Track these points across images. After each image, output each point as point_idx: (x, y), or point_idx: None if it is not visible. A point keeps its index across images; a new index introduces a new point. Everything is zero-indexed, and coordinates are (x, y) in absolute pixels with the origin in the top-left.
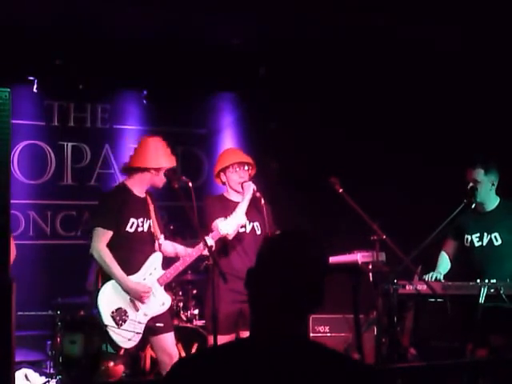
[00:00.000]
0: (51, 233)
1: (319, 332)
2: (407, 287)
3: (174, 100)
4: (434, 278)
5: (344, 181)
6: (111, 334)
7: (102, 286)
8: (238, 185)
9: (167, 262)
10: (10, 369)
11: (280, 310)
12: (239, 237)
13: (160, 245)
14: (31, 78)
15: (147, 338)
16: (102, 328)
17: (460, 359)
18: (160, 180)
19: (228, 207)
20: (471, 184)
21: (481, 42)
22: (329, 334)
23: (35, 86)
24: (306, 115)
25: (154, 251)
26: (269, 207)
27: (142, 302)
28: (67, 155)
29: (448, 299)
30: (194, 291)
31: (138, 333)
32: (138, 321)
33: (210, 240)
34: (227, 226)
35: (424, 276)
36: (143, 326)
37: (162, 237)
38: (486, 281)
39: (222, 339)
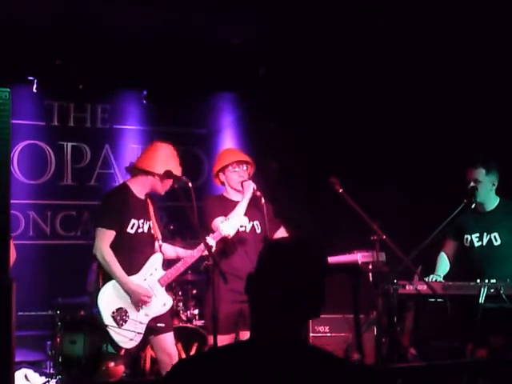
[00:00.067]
0: (51, 233)
1: (319, 332)
2: (407, 287)
3: (174, 100)
4: (433, 281)
5: (344, 181)
6: (112, 334)
7: (102, 285)
8: (238, 184)
9: (168, 262)
10: (9, 369)
11: (280, 313)
12: (239, 236)
13: (160, 246)
14: (31, 78)
15: (147, 337)
16: (103, 328)
17: (460, 359)
18: (162, 187)
19: (228, 207)
20: (472, 184)
21: (481, 42)
22: (329, 334)
23: (35, 86)
24: (306, 115)
25: (155, 252)
26: (269, 206)
27: (142, 305)
28: (67, 155)
29: (448, 299)
30: (194, 291)
31: (139, 333)
32: (139, 321)
33: (211, 241)
34: (228, 226)
35: (424, 278)
36: (144, 326)
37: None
38: (486, 281)
39: (222, 339)
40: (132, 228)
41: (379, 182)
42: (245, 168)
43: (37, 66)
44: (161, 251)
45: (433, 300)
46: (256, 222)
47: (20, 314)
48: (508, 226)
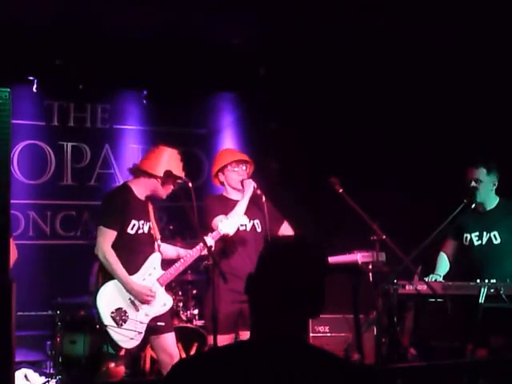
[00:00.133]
0: (51, 233)
1: (319, 332)
2: (407, 287)
3: (174, 100)
4: (433, 281)
5: (344, 181)
6: (111, 333)
7: (101, 286)
8: (238, 183)
9: (167, 262)
10: (10, 369)
11: (280, 313)
12: (239, 235)
13: (159, 246)
14: (31, 78)
15: (148, 337)
16: (102, 328)
17: (460, 359)
18: (163, 191)
19: (228, 206)
20: (473, 183)
21: (481, 42)
22: (329, 334)
23: (35, 86)
24: (306, 115)
25: (154, 252)
26: (270, 204)
27: (145, 304)
28: (67, 155)
29: (448, 299)
30: (194, 291)
31: (139, 332)
32: (139, 321)
33: (210, 240)
34: (227, 225)
35: (424, 278)
36: (145, 325)
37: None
38: (486, 281)
39: (222, 339)
40: (132, 229)
41: (379, 181)
42: (244, 167)
43: (37, 66)
44: (159, 251)
45: (433, 300)
46: (256, 221)
47: (20, 314)
48: (508, 224)
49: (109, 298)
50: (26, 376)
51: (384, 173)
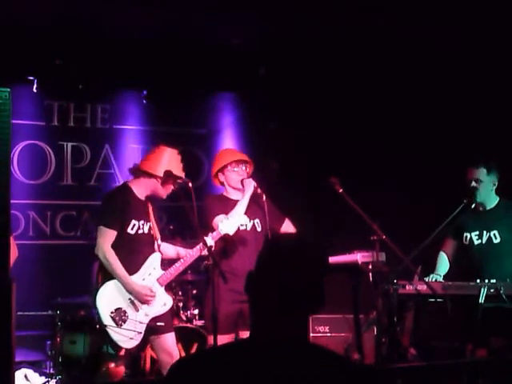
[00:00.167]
0: (51, 233)
1: (319, 332)
2: (407, 287)
3: (174, 100)
4: (433, 281)
5: (344, 181)
6: (111, 333)
7: (101, 285)
8: (238, 182)
9: (167, 262)
10: (10, 369)
11: (279, 312)
12: (240, 235)
13: (159, 245)
14: (31, 78)
15: (148, 338)
16: (102, 328)
17: (460, 359)
18: (164, 191)
19: (228, 205)
20: (473, 183)
21: (481, 42)
22: (329, 334)
23: (35, 86)
24: (306, 115)
25: (154, 252)
26: (270, 202)
27: (145, 304)
28: (67, 155)
29: (448, 299)
30: (194, 291)
31: (139, 332)
32: (138, 321)
33: (210, 240)
34: (227, 225)
35: (424, 278)
36: (144, 325)
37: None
38: (486, 281)
39: (222, 339)
40: (132, 229)
41: (379, 181)
42: (244, 167)
43: (37, 66)
44: (159, 251)
45: (433, 300)
46: (256, 221)
47: (20, 313)
48: (507, 224)
49: (108, 298)
50: (25, 376)
51: (384, 173)
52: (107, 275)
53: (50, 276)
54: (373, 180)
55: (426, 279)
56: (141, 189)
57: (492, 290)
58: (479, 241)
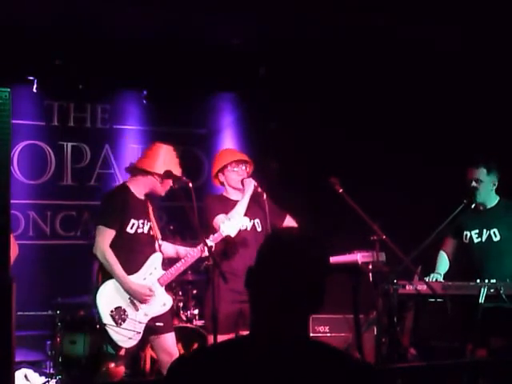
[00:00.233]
0: (51, 233)
1: (319, 332)
2: (407, 287)
3: (174, 100)
4: (433, 280)
5: (344, 181)
6: (110, 332)
7: (101, 284)
8: (238, 182)
9: (168, 262)
10: (10, 369)
11: (280, 309)
12: (240, 235)
13: (160, 245)
14: (31, 78)
15: (147, 338)
16: (102, 327)
17: (460, 359)
18: (162, 188)
19: (228, 206)
20: (473, 183)
21: (481, 42)
22: (329, 334)
23: (35, 86)
24: (306, 115)
25: (154, 251)
26: (270, 201)
27: (144, 303)
28: (67, 155)
29: (448, 299)
30: (194, 291)
31: (138, 332)
32: (138, 320)
33: (211, 242)
34: (229, 227)
35: (425, 278)
36: (143, 325)
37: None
38: (486, 281)
39: (222, 339)
40: (132, 228)
41: (379, 182)
42: (244, 167)
43: (37, 66)
44: (160, 251)
45: (433, 300)
46: (257, 221)
47: (20, 313)
48: (507, 222)
49: (108, 297)
50: (26, 376)
51: (384, 173)
52: (107, 274)
53: (50, 276)
54: (373, 180)
55: (426, 279)
56: (139, 187)
57: (492, 290)
58: (479, 239)
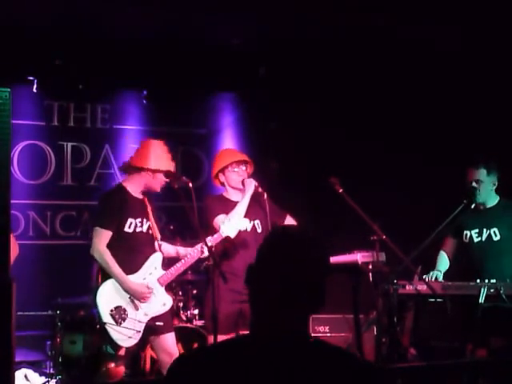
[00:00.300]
0: (51, 233)
1: (319, 332)
2: (407, 287)
3: (174, 100)
4: (434, 277)
5: (344, 181)
6: (110, 332)
7: (101, 283)
8: (239, 183)
9: (168, 262)
10: (10, 369)
11: (280, 307)
12: (240, 236)
13: (160, 245)
14: (31, 78)
15: (148, 338)
16: (102, 327)
17: (460, 359)
18: (157, 183)
19: (228, 206)
20: (474, 184)
21: (481, 42)
22: (329, 334)
23: (35, 86)
24: (306, 115)
25: (154, 251)
26: (270, 201)
27: (143, 302)
28: (67, 155)
29: (448, 299)
30: (194, 291)
31: (138, 331)
32: (138, 320)
33: (211, 242)
34: (229, 228)
35: (424, 275)
36: (143, 324)
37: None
38: (486, 281)
39: (222, 339)
40: (129, 227)
41: (379, 182)
42: (244, 168)
43: (37, 66)
44: (160, 251)
45: (433, 300)
46: (257, 222)
47: (20, 313)
48: (507, 222)
49: (108, 296)
50: (26, 376)
51: (384, 173)
52: (107, 274)
53: (50, 276)
54: (373, 180)
55: (426, 276)
56: (134, 186)
57: (492, 290)
58: (479, 238)
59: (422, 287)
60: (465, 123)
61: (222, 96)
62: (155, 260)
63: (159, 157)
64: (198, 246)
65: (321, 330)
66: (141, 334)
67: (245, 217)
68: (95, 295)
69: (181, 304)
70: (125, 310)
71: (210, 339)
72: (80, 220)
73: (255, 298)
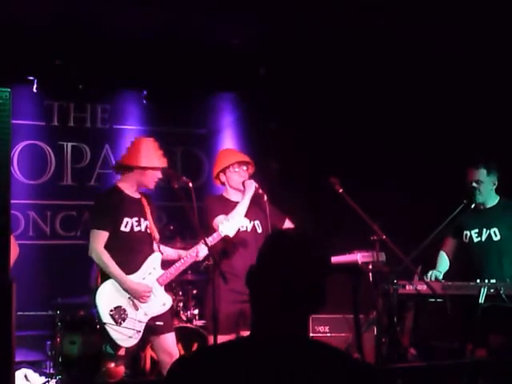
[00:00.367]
0: (51, 233)
1: (319, 332)
2: (407, 287)
3: (174, 100)
4: (434, 277)
5: (344, 181)
6: (110, 332)
7: (101, 283)
8: (239, 183)
9: (168, 262)
10: (10, 369)
11: (281, 309)
12: (240, 236)
13: (159, 245)
14: (31, 78)
15: (148, 338)
16: (102, 327)
17: (460, 359)
18: (149, 180)
19: (228, 207)
20: (474, 184)
21: (481, 42)
22: (329, 334)
23: (35, 86)
24: (306, 115)
25: (153, 251)
26: (270, 203)
27: (143, 302)
28: (67, 155)
29: (448, 299)
30: (194, 291)
31: (138, 331)
32: (138, 319)
33: (210, 242)
34: (227, 227)
35: (424, 275)
36: (143, 324)
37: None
38: (486, 281)
39: (223, 339)
40: (126, 226)
41: (379, 182)
42: (245, 168)
43: (37, 66)
44: (159, 251)
45: (433, 300)
46: (257, 222)
47: (20, 313)
48: (507, 221)
49: (108, 296)
50: (25, 376)
51: (384, 173)
52: (107, 274)
53: (50, 276)
54: (373, 180)
55: (426, 276)
56: (128, 184)
57: (492, 290)
58: (479, 238)
59: (422, 287)
60: (465, 123)
61: (222, 96)
62: (154, 260)
63: (150, 154)
64: (198, 246)
65: (321, 330)
66: (141, 334)
67: (245, 217)
68: (95, 295)
69: (181, 304)
70: (125, 310)
71: (211, 339)
72: (80, 220)
73: (256, 302)
